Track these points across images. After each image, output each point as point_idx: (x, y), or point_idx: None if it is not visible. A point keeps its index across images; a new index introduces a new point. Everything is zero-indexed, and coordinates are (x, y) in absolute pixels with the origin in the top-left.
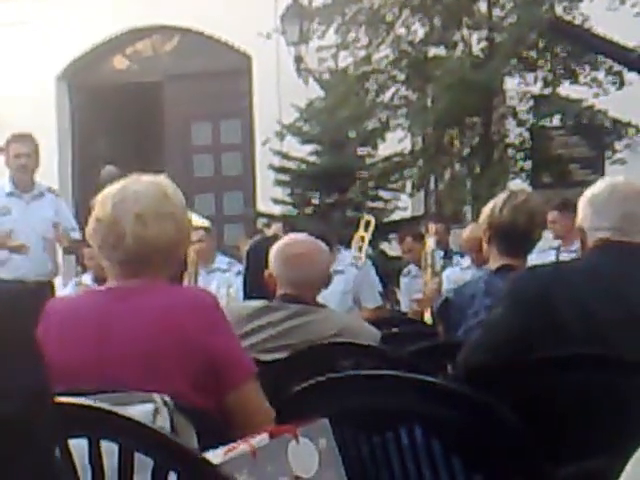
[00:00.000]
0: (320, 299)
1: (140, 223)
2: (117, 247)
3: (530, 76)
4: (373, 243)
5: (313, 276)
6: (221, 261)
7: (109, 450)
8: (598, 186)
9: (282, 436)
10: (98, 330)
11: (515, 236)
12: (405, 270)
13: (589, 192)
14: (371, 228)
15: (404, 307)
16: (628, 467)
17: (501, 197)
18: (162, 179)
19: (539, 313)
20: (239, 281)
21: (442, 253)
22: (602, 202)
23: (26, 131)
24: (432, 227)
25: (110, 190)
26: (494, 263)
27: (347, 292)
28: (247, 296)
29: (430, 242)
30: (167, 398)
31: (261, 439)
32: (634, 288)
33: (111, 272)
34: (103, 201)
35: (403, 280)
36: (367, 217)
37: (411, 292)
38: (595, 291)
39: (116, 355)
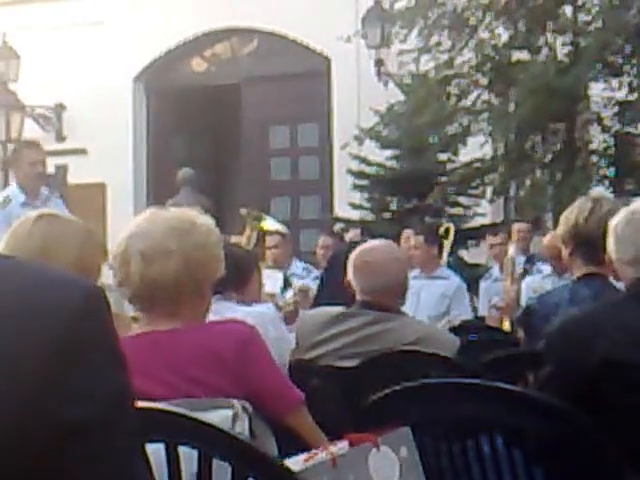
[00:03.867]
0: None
1: (144, 261)
2: (126, 284)
3: (615, 81)
4: (452, 250)
5: (388, 283)
6: (297, 267)
7: (187, 456)
8: (620, 213)
9: (363, 444)
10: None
11: (600, 245)
12: (487, 274)
13: (613, 220)
14: (451, 235)
15: (481, 311)
16: None
17: (585, 206)
18: (183, 212)
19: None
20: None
21: (524, 258)
22: (621, 232)
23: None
24: (517, 227)
25: (127, 226)
26: (578, 271)
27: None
28: (324, 302)
29: (511, 249)
30: (246, 404)
31: (341, 447)
32: None
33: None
34: (119, 238)
35: (483, 284)
36: (447, 224)
37: (490, 295)
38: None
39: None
